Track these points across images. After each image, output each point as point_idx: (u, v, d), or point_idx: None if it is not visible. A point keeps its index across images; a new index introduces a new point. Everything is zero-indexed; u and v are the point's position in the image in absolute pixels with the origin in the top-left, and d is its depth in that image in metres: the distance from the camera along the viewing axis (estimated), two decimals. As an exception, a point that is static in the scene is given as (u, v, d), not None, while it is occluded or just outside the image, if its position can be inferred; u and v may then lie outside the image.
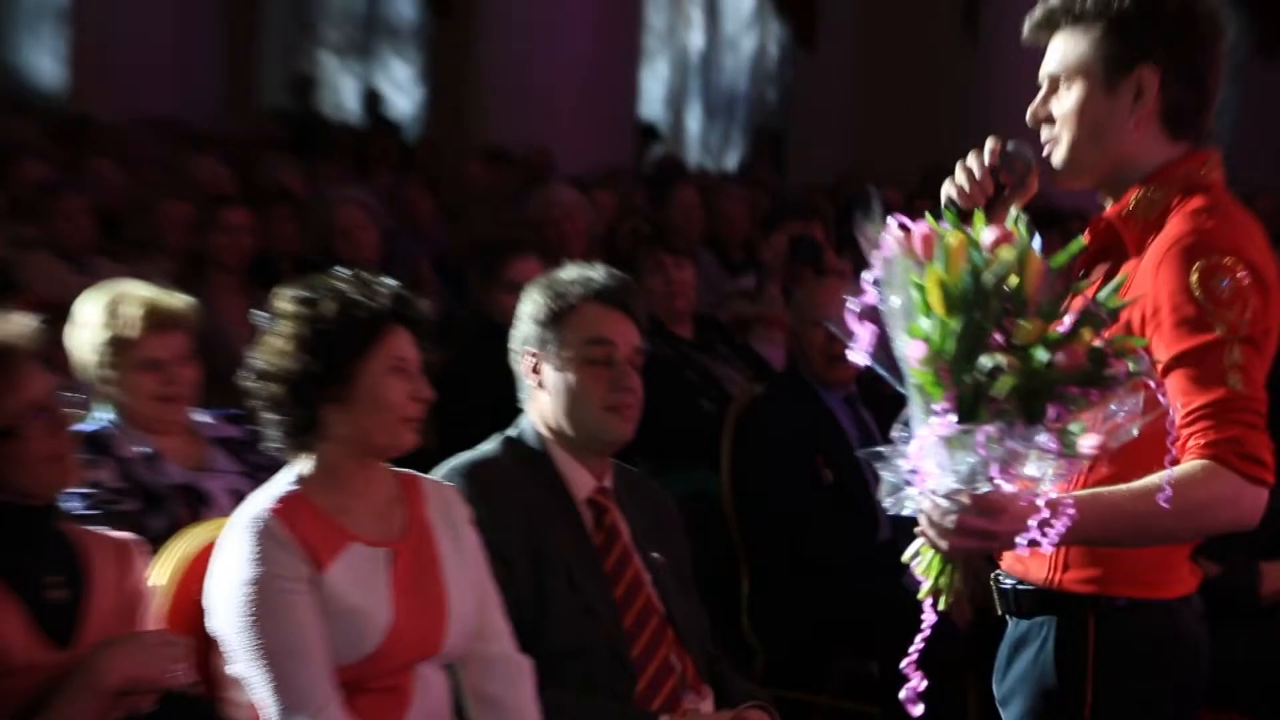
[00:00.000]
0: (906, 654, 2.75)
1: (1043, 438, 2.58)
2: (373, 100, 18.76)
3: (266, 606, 3.19)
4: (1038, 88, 2.93)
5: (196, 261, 7.26)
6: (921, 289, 2.60)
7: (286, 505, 3.27)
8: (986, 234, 2.59)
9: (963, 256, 2.58)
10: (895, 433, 2.71)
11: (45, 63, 18.98)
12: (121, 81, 13.61)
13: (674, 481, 5.33)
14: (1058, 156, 2.89)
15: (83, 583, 3.22)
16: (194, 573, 3.42)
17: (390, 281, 3.38)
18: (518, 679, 3.46)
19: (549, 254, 5.93)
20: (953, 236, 2.59)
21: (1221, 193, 2.86)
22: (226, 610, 3.22)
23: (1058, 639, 2.89)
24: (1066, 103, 2.86)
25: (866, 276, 2.66)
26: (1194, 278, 2.73)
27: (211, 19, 14.64)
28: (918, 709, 2.71)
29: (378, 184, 10.44)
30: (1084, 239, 2.83)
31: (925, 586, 2.76)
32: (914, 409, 2.68)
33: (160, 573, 3.44)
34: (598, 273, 3.79)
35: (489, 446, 3.83)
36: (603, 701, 3.64)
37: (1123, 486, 2.70)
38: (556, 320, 3.75)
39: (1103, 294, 2.65)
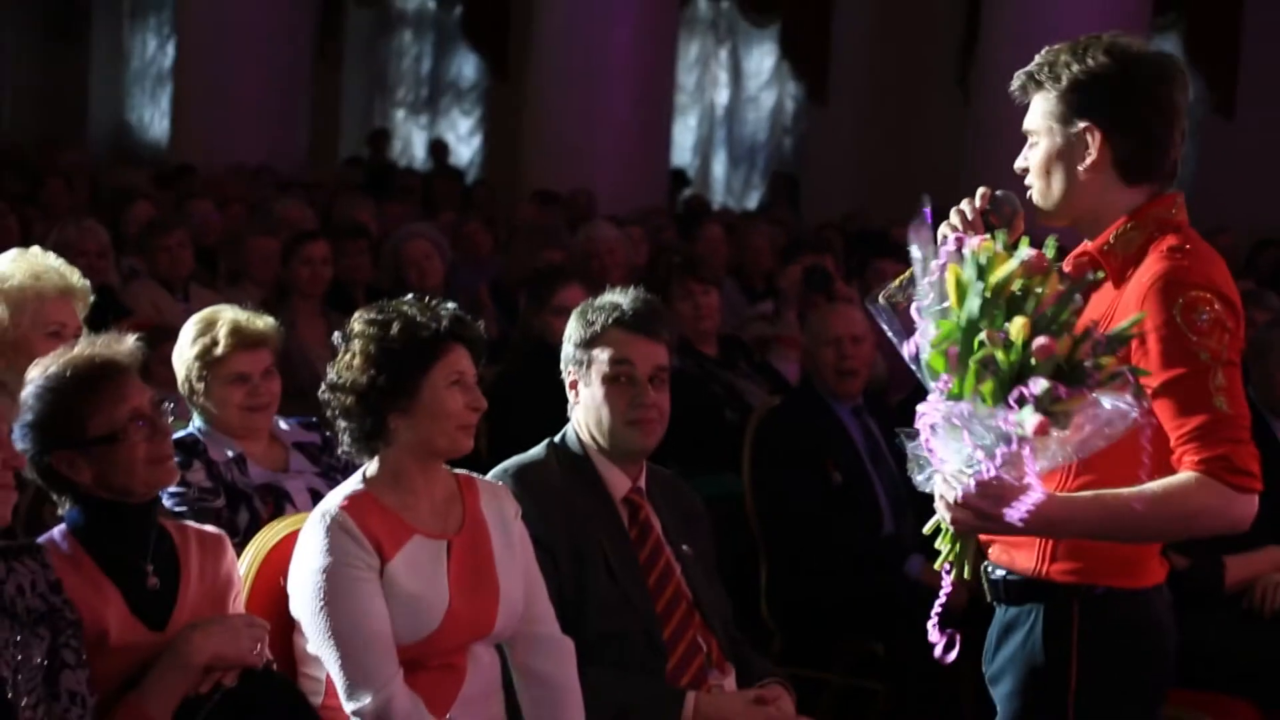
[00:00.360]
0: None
1: (1002, 417, 2.59)
2: (439, 149, 18.82)
3: (338, 592, 3.20)
4: (1021, 138, 2.96)
5: (281, 290, 7.26)
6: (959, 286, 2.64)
7: (356, 502, 3.28)
8: (1024, 252, 2.66)
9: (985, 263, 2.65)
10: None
11: (153, 117, 19.08)
12: (219, 134, 13.66)
13: (702, 484, 5.28)
14: (1035, 200, 2.91)
15: (176, 572, 3.19)
16: (273, 562, 3.42)
17: (450, 305, 3.39)
18: (562, 657, 3.42)
19: (591, 282, 5.93)
20: (984, 247, 2.66)
21: (1189, 231, 2.85)
22: (304, 595, 3.24)
23: (1045, 624, 2.84)
24: (1034, 156, 2.89)
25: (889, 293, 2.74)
26: (1176, 312, 2.72)
27: (300, 79, 14.69)
28: (950, 656, 2.77)
29: (442, 222, 10.43)
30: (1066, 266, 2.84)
31: (942, 556, 2.81)
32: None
33: (244, 562, 3.42)
34: (626, 299, 3.77)
35: (536, 451, 3.81)
36: (637, 678, 3.61)
37: (1124, 490, 2.72)
38: (588, 344, 3.74)
39: (1115, 330, 2.69)
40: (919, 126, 15.49)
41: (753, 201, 17.91)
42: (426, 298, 3.42)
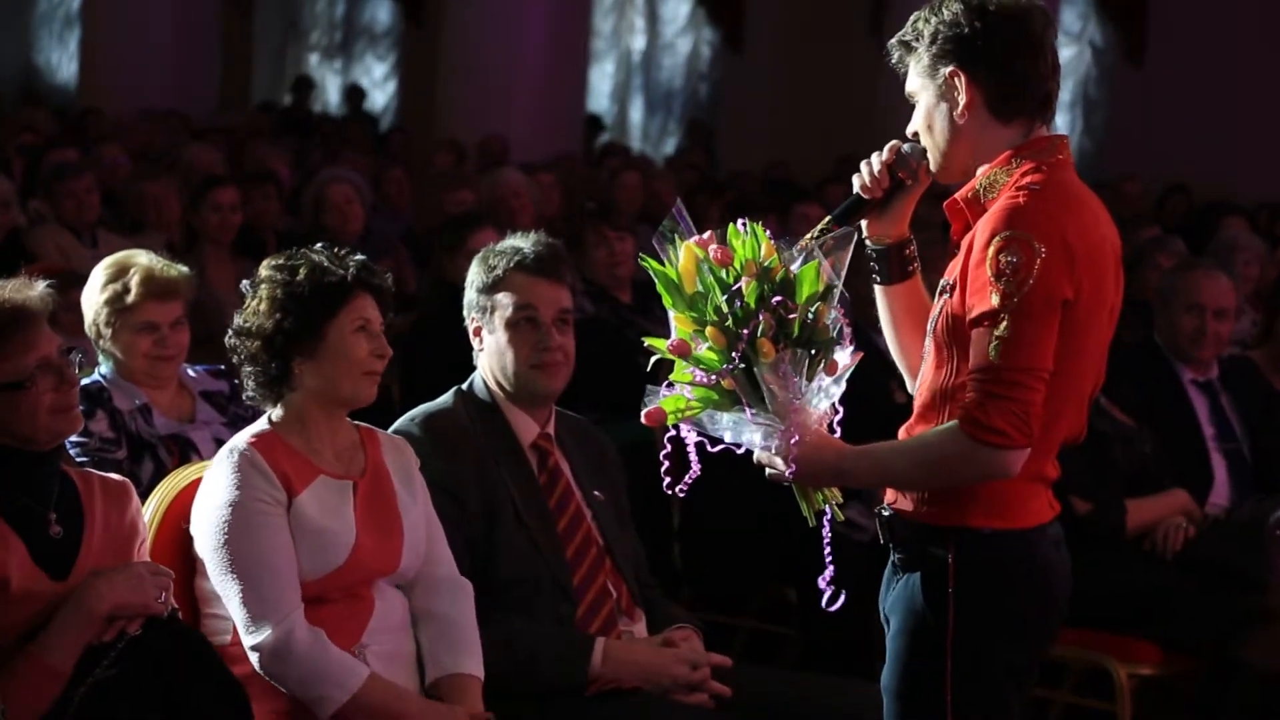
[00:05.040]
0: (820, 578, 2.88)
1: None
2: (355, 95, 18.64)
3: (243, 525, 3.22)
4: None
5: (190, 235, 7.19)
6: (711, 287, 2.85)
7: (263, 440, 3.32)
8: (712, 250, 2.85)
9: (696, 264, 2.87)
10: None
11: (61, 60, 18.79)
12: (128, 77, 13.48)
13: (615, 430, 5.29)
14: (929, 159, 2.95)
15: (80, 520, 3.16)
16: (178, 510, 3.40)
17: (358, 256, 3.39)
18: (459, 596, 3.44)
19: (501, 228, 5.93)
20: (688, 250, 2.86)
21: (1059, 171, 2.88)
22: (208, 529, 3.25)
23: (925, 564, 2.88)
24: (917, 118, 2.95)
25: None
26: (990, 250, 2.77)
27: (209, 23, 14.50)
28: (835, 605, 2.88)
29: (358, 168, 10.35)
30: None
31: (804, 509, 2.94)
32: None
33: (148, 510, 3.39)
34: (527, 243, 3.75)
35: (444, 399, 3.80)
36: (546, 625, 3.61)
37: (888, 444, 2.87)
38: (490, 289, 3.73)
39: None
40: (833, 75, 15.49)
41: (670, 148, 17.89)
42: (335, 246, 3.43)
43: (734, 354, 2.82)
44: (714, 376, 2.83)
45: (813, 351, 2.83)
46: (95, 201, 7.44)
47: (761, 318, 2.80)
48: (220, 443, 4.09)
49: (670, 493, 3.05)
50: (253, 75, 19.28)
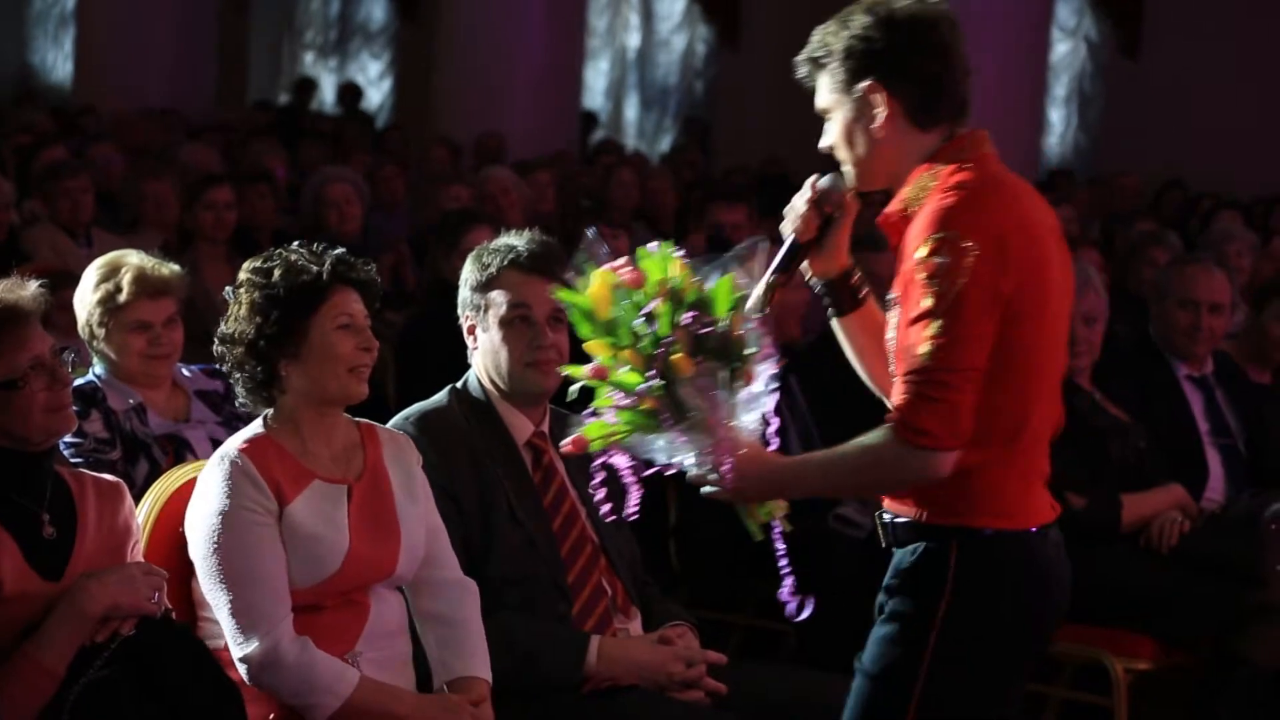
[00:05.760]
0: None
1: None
2: (351, 93, 18.62)
3: (233, 535, 3.19)
4: None
5: (185, 235, 7.19)
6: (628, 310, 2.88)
7: (255, 446, 3.27)
8: (623, 273, 2.88)
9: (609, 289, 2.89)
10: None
11: (56, 59, 18.77)
12: (123, 76, 13.47)
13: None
14: (847, 173, 2.96)
15: (73, 521, 3.15)
16: (172, 510, 3.38)
17: (337, 250, 3.35)
18: (465, 598, 3.42)
19: (495, 225, 5.93)
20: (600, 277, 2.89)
21: (986, 166, 2.88)
22: (199, 537, 3.22)
23: (923, 562, 2.87)
24: (832, 133, 2.95)
25: None
26: (923, 252, 2.77)
27: (205, 21, 14.49)
28: (803, 615, 2.96)
29: (355, 166, 10.34)
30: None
31: (750, 525, 2.99)
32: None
33: (143, 511, 3.39)
34: (521, 241, 3.74)
35: (439, 398, 3.78)
36: (542, 623, 3.60)
37: (824, 452, 2.89)
38: (484, 288, 3.72)
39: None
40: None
41: (665, 145, 17.89)
42: (320, 242, 3.39)
43: (651, 372, 2.83)
44: (634, 398, 2.84)
45: (732, 364, 2.85)
46: (90, 201, 7.42)
47: (676, 335, 2.82)
48: (216, 442, 4.09)
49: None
50: (249, 74, 19.27)
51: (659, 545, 5.36)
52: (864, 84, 2.87)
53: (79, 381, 3.96)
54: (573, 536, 3.71)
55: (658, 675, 3.59)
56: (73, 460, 3.90)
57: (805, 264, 3.03)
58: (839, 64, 2.89)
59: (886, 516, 2.93)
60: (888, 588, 2.93)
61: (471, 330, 3.76)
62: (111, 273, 4.11)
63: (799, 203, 2.99)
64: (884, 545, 2.96)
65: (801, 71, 2.95)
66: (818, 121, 3.01)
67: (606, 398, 2.88)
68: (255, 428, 3.34)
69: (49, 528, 3.10)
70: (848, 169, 2.95)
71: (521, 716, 3.49)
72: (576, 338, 3.86)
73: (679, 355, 2.82)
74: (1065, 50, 16.17)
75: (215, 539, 3.20)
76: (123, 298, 4.08)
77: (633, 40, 19.23)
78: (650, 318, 2.83)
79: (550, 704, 3.54)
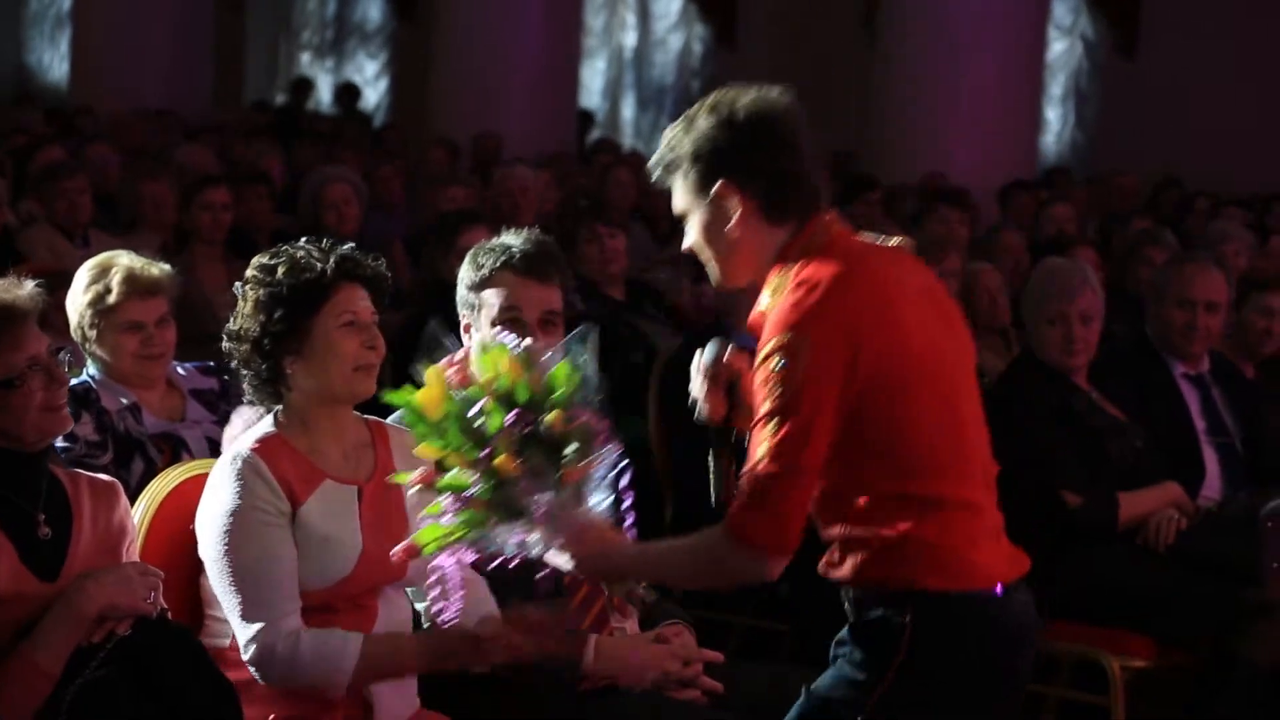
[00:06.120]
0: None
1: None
2: (348, 93, 18.61)
3: (244, 535, 3.18)
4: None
5: (182, 235, 7.18)
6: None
7: (267, 445, 3.26)
8: (450, 373, 2.92)
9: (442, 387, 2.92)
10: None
11: (53, 60, 18.76)
12: (120, 77, 13.47)
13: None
14: (711, 276, 2.98)
15: (68, 521, 3.14)
16: (168, 509, 3.39)
17: (346, 246, 3.33)
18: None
19: (503, 225, 5.94)
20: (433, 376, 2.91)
21: (832, 248, 2.87)
22: (210, 536, 3.22)
23: (878, 621, 2.84)
24: (690, 234, 2.96)
25: None
26: (762, 357, 2.80)
27: (201, 22, 14.48)
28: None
29: (352, 166, 10.34)
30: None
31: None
32: None
33: (138, 510, 3.38)
34: (518, 241, 3.73)
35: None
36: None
37: (666, 543, 2.96)
38: (478, 287, 3.72)
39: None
40: (826, 69, 15.50)
41: (662, 145, 17.88)
42: (323, 240, 3.37)
43: (477, 475, 2.86)
44: (464, 501, 2.87)
45: (561, 459, 2.87)
46: (87, 202, 7.42)
47: (499, 436, 2.85)
48: (212, 441, 4.09)
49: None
50: (245, 74, 19.26)
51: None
52: (716, 185, 2.88)
53: (73, 382, 3.95)
54: (570, 535, 3.70)
55: (655, 674, 3.58)
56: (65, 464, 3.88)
57: (736, 431, 3.01)
58: (690, 166, 2.90)
59: (833, 577, 2.91)
60: (840, 640, 2.91)
61: (468, 329, 3.75)
62: (101, 274, 4.11)
63: (696, 389, 2.99)
64: (845, 607, 2.94)
65: (654, 176, 2.96)
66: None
67: (439, 504, 2.91)
68: (266, 426, 3.32)
69: (44, 528, 3.10)
70: (711, 268, 2.96)
71: (519, 715, 3.48)
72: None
73: (502, 458, 2.85)
74: (1062, 49, 16.17)
75: (225, 538, 3.19)
76: (113, 298, 4.07)
77: (629, 39, 19.22)
78: (478, 418, 2.87)
79: (548, 703, 3.53)
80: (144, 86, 13.37)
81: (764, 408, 2.77)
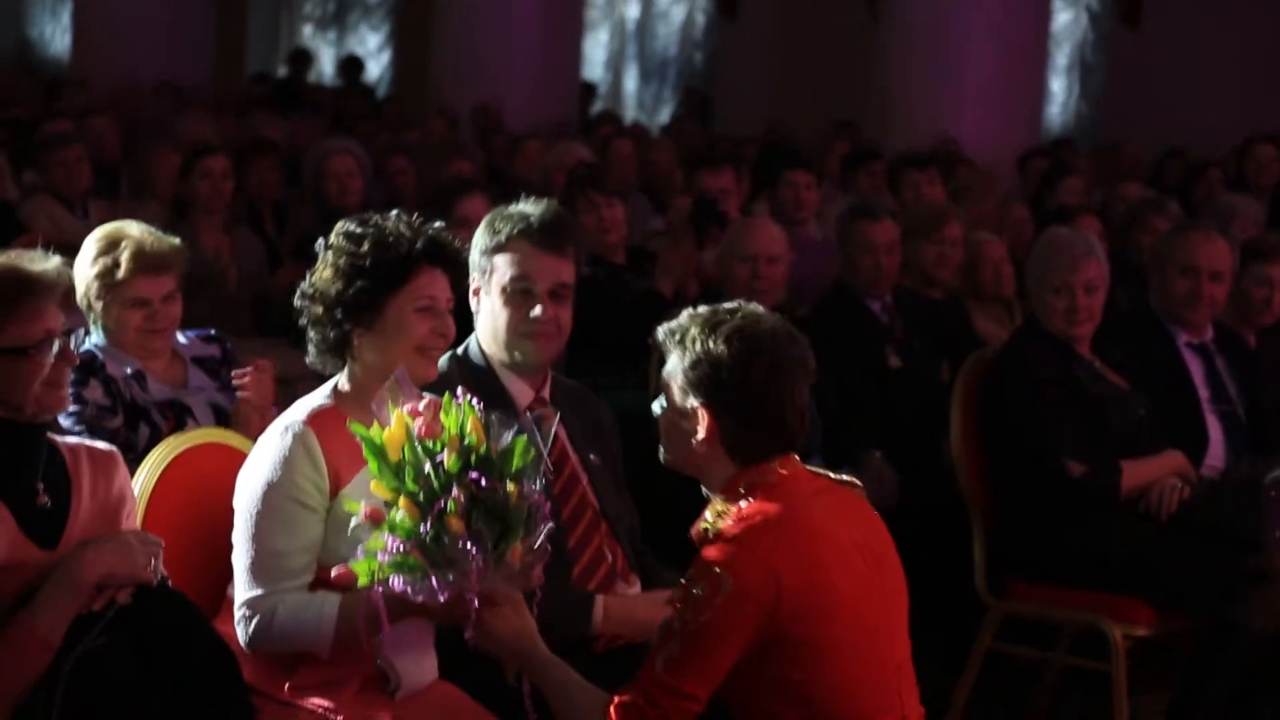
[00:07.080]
0: None
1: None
2: (352, 65, 18.56)
3: (271, 512, 3.20)
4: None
5: (181, 205, 7.15)
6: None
7: (321, 418, 3.25)
8: (418, 423, 2.96)
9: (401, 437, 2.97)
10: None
11: (54, 33, 18.73)
12: (122, 49, 13.44)
13: (611, 397, 5.28)
14: (660, 454, 3.11)
15: (67, 490, 3.14)
16: (170, 478, 3.39)
17: (437, 224, 3.32)
18: None
19: (491, 195, 5.94)
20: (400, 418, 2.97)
21: (777, 491, 2.98)
22: (243, 499, 3.23)
23: None
24: (665, 403, 3.07)
25: None
26: (688, 576, 2.93)
27: (202, -7, 14.45)
28: None
29: (357, 137, 10.31)
30: None
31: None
32: None
33: (141, 478, 3.38)
34: (535, 210, 3.72)
35: (440, 363, 3.75)
36: (546, 585, 3.58)
37: (578, 680, 3.03)
38: (491, 252, 3.71)
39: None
40: (829, 40, 15.45)
41: (665, 117, 17.85)
42: (415, 215, 3.35)
43: (424, 526, 2.90)
44: (405, 546, 2.91)
45: (506, 531, 2.93)
46: (86, 171, 7.41)
47: (455, 492, 2.89)
48: (216, 408, 4.08)
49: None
50: (246, 46, 19.22)
51: (658, 513, 5.35)
52: (694, 402, 2.99)
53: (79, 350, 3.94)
54: (573, 501, 3.71)
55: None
56: (75, 428, 3.88)
57: None
58: (687, 366, 3.00)
59: None
60: None
61: (476, 293, 3.74)
62: (110, 246, 4.07)
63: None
64: None
65: (659, 336, 3.06)
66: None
67: (380, 540, 2.93)
68: (323, 396, 3.31)
69: (43, 497, 3.09)
70: (665, 447, 3.08)
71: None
72: (581, 315, 3.89)
73: (452, 514, 2.89)
74: (1067, 19, 16.12)
75: (256, 508, 3.21)
76: (121, 274, 4.04)
77: (632, 11, 19.17)
78: (437, 469, 2.91)
79: (568, 663, 3.53)
80: (145, 59, 13.34)
81: (673, 622, 2.90)
